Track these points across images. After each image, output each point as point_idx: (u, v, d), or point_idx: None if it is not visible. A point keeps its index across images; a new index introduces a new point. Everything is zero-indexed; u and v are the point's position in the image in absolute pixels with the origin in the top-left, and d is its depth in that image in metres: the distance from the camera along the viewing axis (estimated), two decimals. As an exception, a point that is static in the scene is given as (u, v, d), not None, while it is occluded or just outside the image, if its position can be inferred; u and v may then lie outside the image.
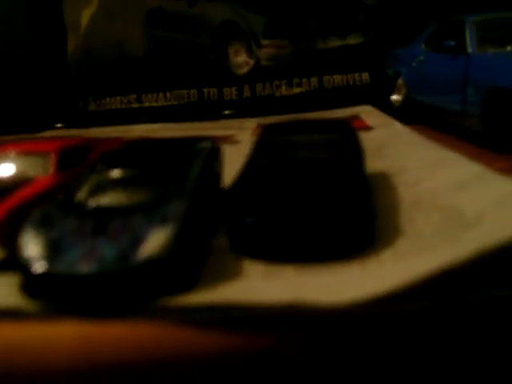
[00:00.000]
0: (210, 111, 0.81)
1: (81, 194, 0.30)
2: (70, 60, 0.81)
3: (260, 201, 0.29)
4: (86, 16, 0.80)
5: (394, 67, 0.70)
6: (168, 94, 0.82)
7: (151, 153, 0.34)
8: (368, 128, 0.59)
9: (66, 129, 0.79)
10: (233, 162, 0.36)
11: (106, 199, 0.29)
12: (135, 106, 0.82)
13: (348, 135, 0.37)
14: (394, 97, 0.68)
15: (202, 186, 0.32)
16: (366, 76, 0.81)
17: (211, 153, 0.36)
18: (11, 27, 0.84)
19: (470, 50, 0.50)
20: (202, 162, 0.33)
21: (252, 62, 0.82)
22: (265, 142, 0.36)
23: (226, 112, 0.80)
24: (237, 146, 0.54)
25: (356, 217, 0.28)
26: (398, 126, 0.57)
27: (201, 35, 0.82)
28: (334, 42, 0.83)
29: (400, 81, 0.67)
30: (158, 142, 0.39)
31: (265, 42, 0.82)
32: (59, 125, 0.80)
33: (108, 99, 0.81)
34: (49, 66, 0.80)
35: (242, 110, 0.80)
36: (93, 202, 0.29)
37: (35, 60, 0.80)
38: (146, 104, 0.82)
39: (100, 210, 0.28)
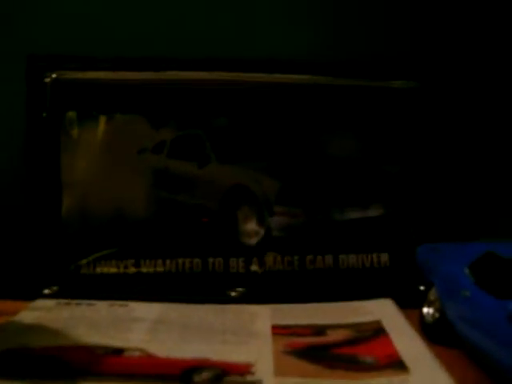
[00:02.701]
0: (214, 285, 0.74)
1: None
2: (63, 220, 0.74)
3: None
4: (83, 173, 0.74)
5: (426, 271, 0.63)
6: (168, 262, 0.74)
7: None
8: (400, 364, 0.52)
9: (55, 298, 0.71)
10: None
11: None
12: (132, 271, 0.74)
13: None
14: (425, 310, 0.61)
15: None
16: (385, 257, 0.75)
17: None
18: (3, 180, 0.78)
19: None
20: None
21: (262, 231, 0.76)
22: None
23: (233, 294, 0.72)
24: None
25: None
26: (443, 375, 0.50)
27: (209, 199, 0.76)
28: (353, 214, 0.77)
29: (433, 294, 0.61)
30: None
31: (278, 208, 0.75)
32: (47, 291, 0.72)
33: (103, 262, 0.74)
34: (40, 226, 0.73)
35: (249, 287, 0.73)
36: None
37: (26, 218, 0.73)
38: (144, 270, 0.74)
39: None
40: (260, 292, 0.73)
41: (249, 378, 0.49)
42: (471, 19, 0.79)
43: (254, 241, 0.75)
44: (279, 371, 0.50)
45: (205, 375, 0.49)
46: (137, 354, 0.54)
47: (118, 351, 0.54)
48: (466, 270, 0.55)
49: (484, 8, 0.79)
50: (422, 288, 0.63)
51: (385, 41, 0.79)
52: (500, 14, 0.78)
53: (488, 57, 0.79)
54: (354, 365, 0.53)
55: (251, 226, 0.76)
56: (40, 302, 0.69)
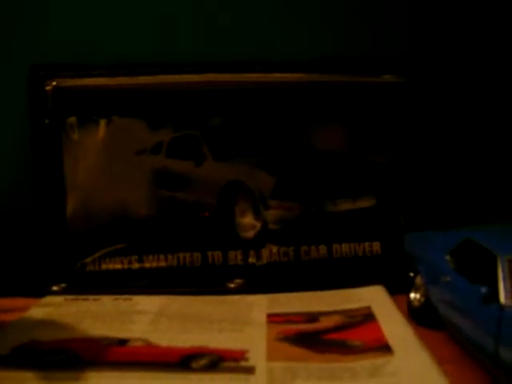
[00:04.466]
0: (214, 277, 0.77)
1: None
2: (68, 220, 0.77)
3: None
4: (86, 175, 0.77)
5: (412, 260, 0.66)
6: (170, 256, 0.78)
7: None
8: (385, 347, 0.56)
9: (63, 294, 0.75)
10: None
11: None
12: (136, 266, 0.78)
13: None
14: (412, 295, 0.65)
15: None
16: (376, 246, 0.78)
17: None
18: (9, 184, 0.81)
19: (503, 300, 0.47)
20: None
21: (259, 224, 0.79)
22: None
23: (231, 285, 0.76)
24: (251, 381, 0.50)
25: None
26: (424, 356, 0.53)
27: (206, 195, 0.79)
28: (345, 205, 0.80)
29: (419, 280, 0.64)
30: None
31: (272, 202, 0.79)
32: (56, 288, 0.76)
33: (108, 259, 0.78)
34: (47, 227, 0.77)
35: (247, 279, 0.77)
36: None
37: (33, 220, 0.77)
38: (147, 265, 0.78)
39: None
40: (258, 283, 0.76)
41: (243, 363, 0.53)
42: (455, 17, 0.81)
43: (251, 234, 0.79)
44: (271, 357, 0.54)
45: (202, 362, 0.53)
46: (139, 343, 0.58)
47: (122, 342, 0.58)
48: (447, 257, 0.59)
49: (467, 5, 0.81)
50: (411, 274, 0.66)
51: (372, 38, 0.82)
52: (483, 11, 0.81)
53: (470, 51, 0.82)
54: (343, 348, 0.56)
55: (248, 219, 0.79)
56: (49, 299, 0.73)
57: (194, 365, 0.53)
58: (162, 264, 0.78)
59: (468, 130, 0.82)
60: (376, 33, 0.83)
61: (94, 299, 0.72)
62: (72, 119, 0.78)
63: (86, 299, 0.72)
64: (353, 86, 0.80)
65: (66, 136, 0.78)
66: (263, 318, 0.64)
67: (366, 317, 0.63)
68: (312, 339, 0.58)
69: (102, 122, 0.78)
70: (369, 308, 0.65)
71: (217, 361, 0.53)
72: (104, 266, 0.78)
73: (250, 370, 0.51)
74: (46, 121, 0.77)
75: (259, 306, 0.68)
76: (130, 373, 0.52)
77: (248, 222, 0.79)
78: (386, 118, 0.80)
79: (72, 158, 0.78)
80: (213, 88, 0.78)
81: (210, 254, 0.78)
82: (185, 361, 0.53)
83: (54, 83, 0.77)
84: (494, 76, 0.82)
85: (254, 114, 0.79)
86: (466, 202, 0.82)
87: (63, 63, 0.78)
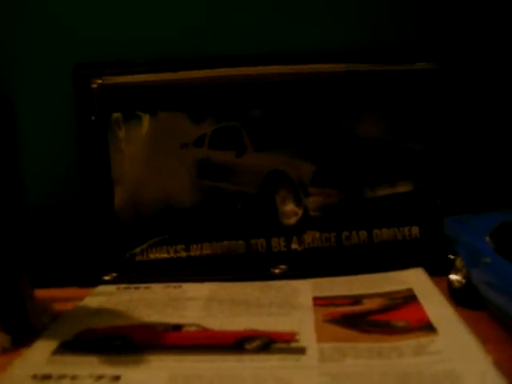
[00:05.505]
0: (258, 264, 0.80)
1: None
2: (117, 213, 0.81)
3: None
4: (132, 168, 0.80)
5: (452, 243, 0.68)
6: (215, 245, 0.81)
7: None
8: (429, 326, 0.58)
9: (114, 284, 0.78)
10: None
11: None
12: (182, 255, 0.81)
13: None
14: (453, 276, 0.67)
15: None
16: (415, 230, 0.80)
17: None
18: (59, 180, 0.85)
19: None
20: None
21: (300, 211, 0.81)
22: None
23: (276, 271, 0.78)
24: (303, 361, 0.53)
25: None
26: (467, 335, 0.56)
27: (248, 185, 0.82)
28: (383, 191, 0.82)
29: (459, 262, 0.66)
30: None
31: (313, 190, 0.81)
32: (107, 277, 0.80)
33: (155, 249, 0.81)
34: (96, 221, 0.80)
35: (290, 264, 0.79)
36: None
37: (82, 213, 0.80)
38: (193, 253, 0.81)
39: None
40: (301, 268, 0.78)
41: (294, 344, 0.56)
42: (488, 1, 0.83)
43: (293, 221, 0.81)
44: (320, 338, 0.56)
45: (255, 343, 0.56)
46: (194, 328, 0.61)
47: (177, 327, 0.61)
48: (487, 239, 0.60)
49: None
50: (451, 257, 0.68)
51: (406, 26, 0.83)
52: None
53: (504, 36, 0.83)
54: (388, 329, 0.58)
55: (289, 207, 0.81)
56: (102, 288, 0.77)
57: (248, 346, 0.56)
58: (208, 252, 0.81)
59: (503, 113, 0.83)
60: (409, 22, 0.84)
61: (145, 287, 0.75)
62: (117, 115, 0.81)
63: (137, 288, 0.75)
64: (388, 74, 0.81)
65: (111, 131, 0.81)
66: (309, 302, 0.66)
67: (408, 298, 0.65)
68: (358, 321, 0.61)
69: (146, 117, 0.81)
70: (411, 290, 0.67)
71: (269, 342, 0.56)
72: (152, 256, 0.81)
73: (301, 351, 0.54)
74: (93, 118, 0.80)
75: (304, 290, 0.70)
76: (187, 356, 0.55)
77: (290, 209, 0.81)
78: (422, 105, 0.82)
79: (118, 152, 0.81)
80: (253, 80, 0.80)
81: (253, 241, 0.80)
82: (239, 343, 0.56)
83: (100, 81, 0.80)
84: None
85: (294, 104, 0.81)
86: (502, 186, 0.84)
87: (107, 61, 0.80)
